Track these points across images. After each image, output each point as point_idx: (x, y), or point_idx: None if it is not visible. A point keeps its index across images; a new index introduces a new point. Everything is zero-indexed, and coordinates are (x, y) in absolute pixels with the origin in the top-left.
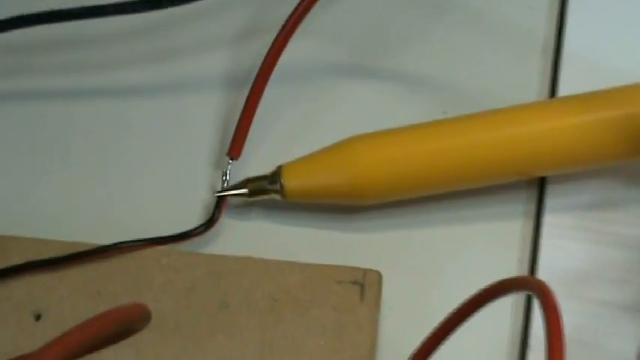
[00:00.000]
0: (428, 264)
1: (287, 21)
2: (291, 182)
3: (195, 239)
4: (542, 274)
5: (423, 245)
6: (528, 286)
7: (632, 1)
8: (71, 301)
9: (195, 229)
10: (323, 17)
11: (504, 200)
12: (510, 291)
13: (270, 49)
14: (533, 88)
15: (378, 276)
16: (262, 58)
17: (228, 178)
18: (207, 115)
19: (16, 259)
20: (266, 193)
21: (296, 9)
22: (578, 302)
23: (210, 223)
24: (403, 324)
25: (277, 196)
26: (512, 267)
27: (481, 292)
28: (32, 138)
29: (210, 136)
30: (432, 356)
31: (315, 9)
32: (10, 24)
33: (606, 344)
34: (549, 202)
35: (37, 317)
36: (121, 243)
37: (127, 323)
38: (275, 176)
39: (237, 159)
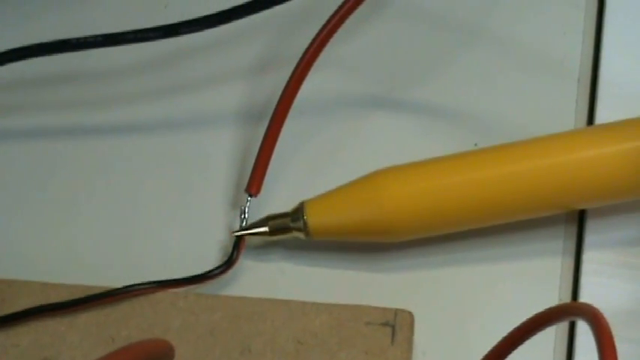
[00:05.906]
0: (462, 305)
1: (306, 51)
2: (315, 219)
3: (213, 282)
4: None
5: (456, 285)
6: (579, 312)
7: None
8: (82, 348)
9: (213, 270)
10: (344, 47)
11: (542, 236)
12: (559, 318)
13: (289, 81)
14: (569, 118)
15: (410, 317)
16: (279, 90)
17: (246, 216)
18: (223, 151)
19: (23, 304)
20: (288, 231)
21: (315, 39)
22: (622, 343)
23: (228, 264)
24: None
25: (300, 235)
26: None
27: (529, 320)
28: (39, 178)
29: (227, 172)
30: None
31: (335, 39)
32: (18, 54)
33: None
34: (589, 237)
35: None
36: (134, 286)
37: (154, 356)
38: (297, 213)
39: (256, 196)
